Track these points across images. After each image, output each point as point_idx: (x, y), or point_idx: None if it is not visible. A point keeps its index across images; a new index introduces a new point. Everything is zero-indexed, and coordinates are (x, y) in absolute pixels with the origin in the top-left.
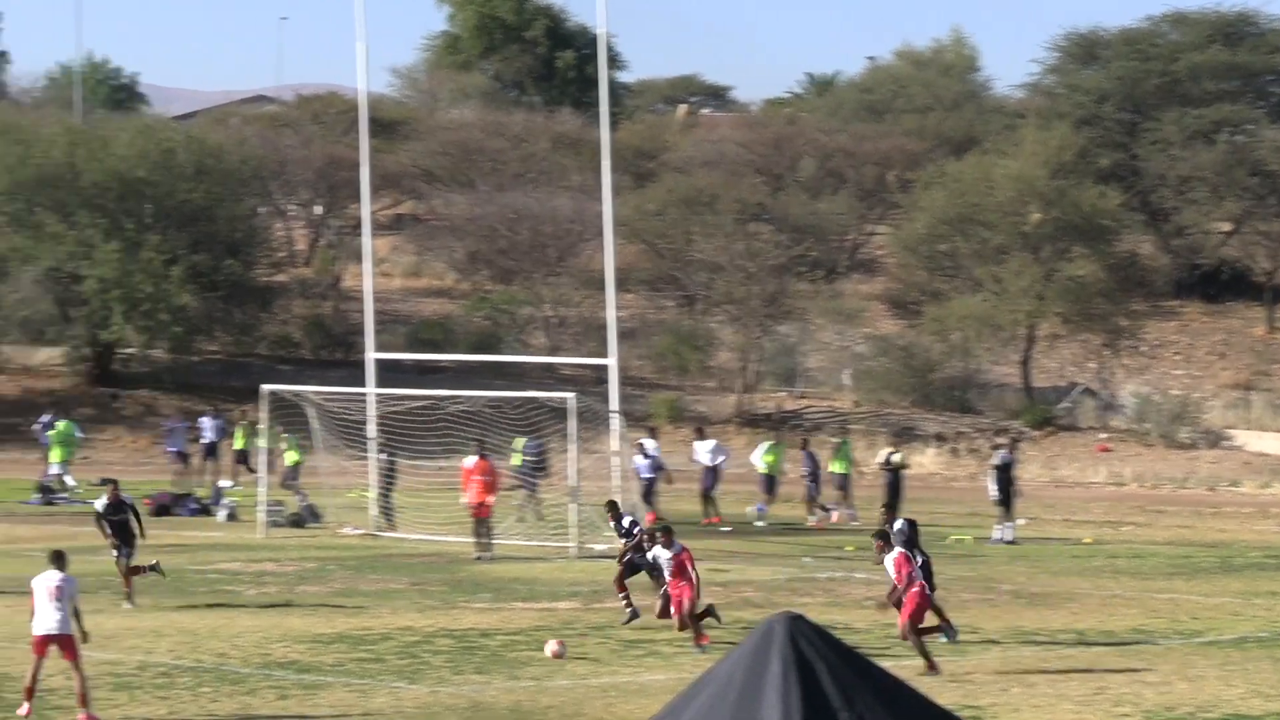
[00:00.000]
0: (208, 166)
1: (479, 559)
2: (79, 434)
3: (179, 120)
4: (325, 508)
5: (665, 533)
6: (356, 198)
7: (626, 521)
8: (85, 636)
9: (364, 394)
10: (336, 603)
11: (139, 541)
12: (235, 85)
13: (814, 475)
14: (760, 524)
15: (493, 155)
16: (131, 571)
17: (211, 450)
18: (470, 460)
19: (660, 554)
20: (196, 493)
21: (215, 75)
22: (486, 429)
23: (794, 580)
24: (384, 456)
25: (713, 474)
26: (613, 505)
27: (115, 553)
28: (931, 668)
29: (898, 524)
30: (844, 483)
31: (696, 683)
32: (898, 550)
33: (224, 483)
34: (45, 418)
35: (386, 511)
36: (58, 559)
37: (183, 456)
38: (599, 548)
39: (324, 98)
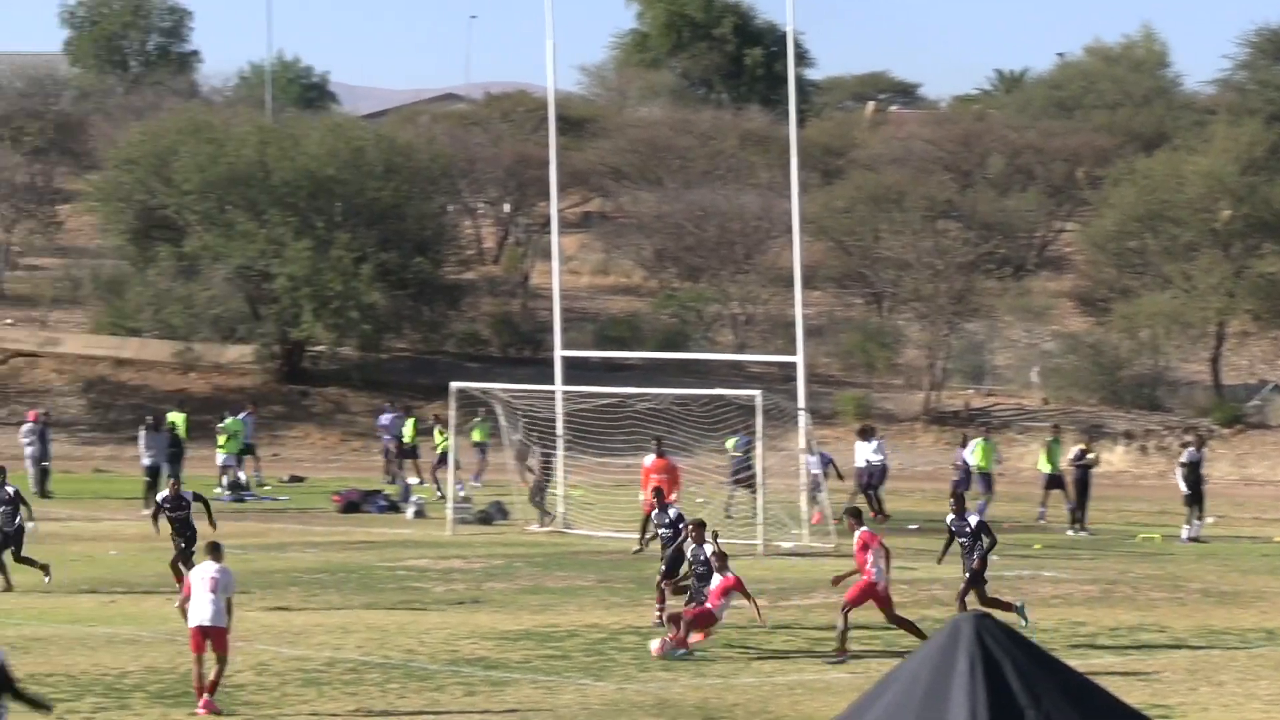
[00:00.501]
0: (397, 165)
1: (636, 552)
2: (248, 430)
3: (368, 119)
4: (513, 505)
5: (698, 528)
6: (545, 195)
7: (672, 513)
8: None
9: (551, 391)
10: (523, 600)
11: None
12: (424, 84)
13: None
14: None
15: (680, 153)
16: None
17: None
18: (650, 459)
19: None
20: (385, 490)
21: (404, 74)
22: (673, 427)
23: None
24: (539, 450)
25: (878, 472)
26: (658, 492)
27: (179, 548)
28: (840, 652)
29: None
30: (1055, 482)
31: (882, 681)
32: (861, 530)
33: (412, 479)
34: (244, 415)
35: (540, 506)
36: (214, 550)
37: (400, 448)
38: (786, 545)
39: (513, 96)
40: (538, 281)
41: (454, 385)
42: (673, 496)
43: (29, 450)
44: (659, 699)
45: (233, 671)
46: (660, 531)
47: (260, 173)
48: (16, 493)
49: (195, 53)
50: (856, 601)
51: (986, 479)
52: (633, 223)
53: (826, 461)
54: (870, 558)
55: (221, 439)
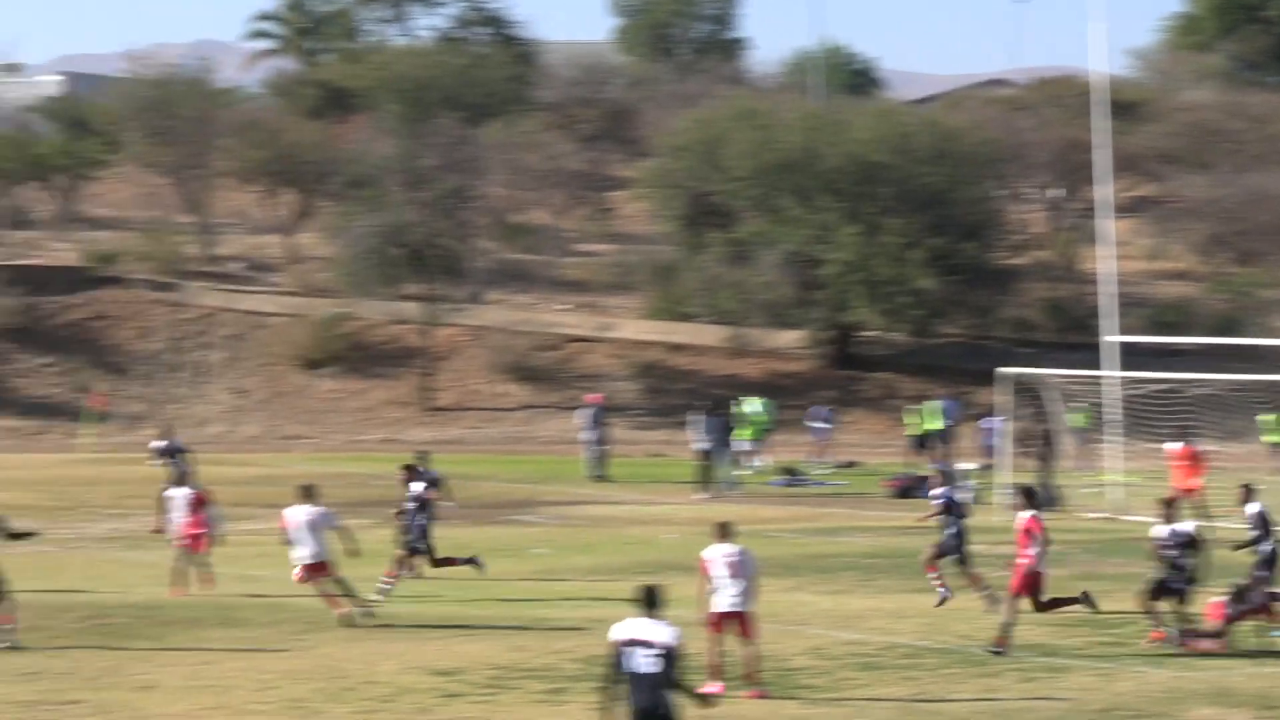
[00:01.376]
0: (945, 150)
1: None
2: (771, 416)
3: (915, 104)
4: (1066, 491)
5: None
6: (1093, 180)
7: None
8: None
9: (1102, 377)
10: (1077, 587)
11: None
12: (970, 69)
13: None
14: None
15: (1232, 136)
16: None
17: (945, 435)
18: (1175, 445)
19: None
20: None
21: (951, 59)
22: (1229, 413)
23: None
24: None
25: None
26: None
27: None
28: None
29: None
30: None
31: None
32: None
33: (966, 465)
34: (822, 410)
35: (1046, 490)
36: (725, 532)
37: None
38: None
39: (1061, 80)
40: (1088, 266)
41: (1002, 371)
42: (1196, 482)
43: (586, 434)
44: (1217, 687)
45: (789, 655)
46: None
47: (809, 159)
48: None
49: (742, 40)
50: (1025, 589)
51: None
52: (1184, 207)
53: None
54: (1032, 542)
55: (746, 427)
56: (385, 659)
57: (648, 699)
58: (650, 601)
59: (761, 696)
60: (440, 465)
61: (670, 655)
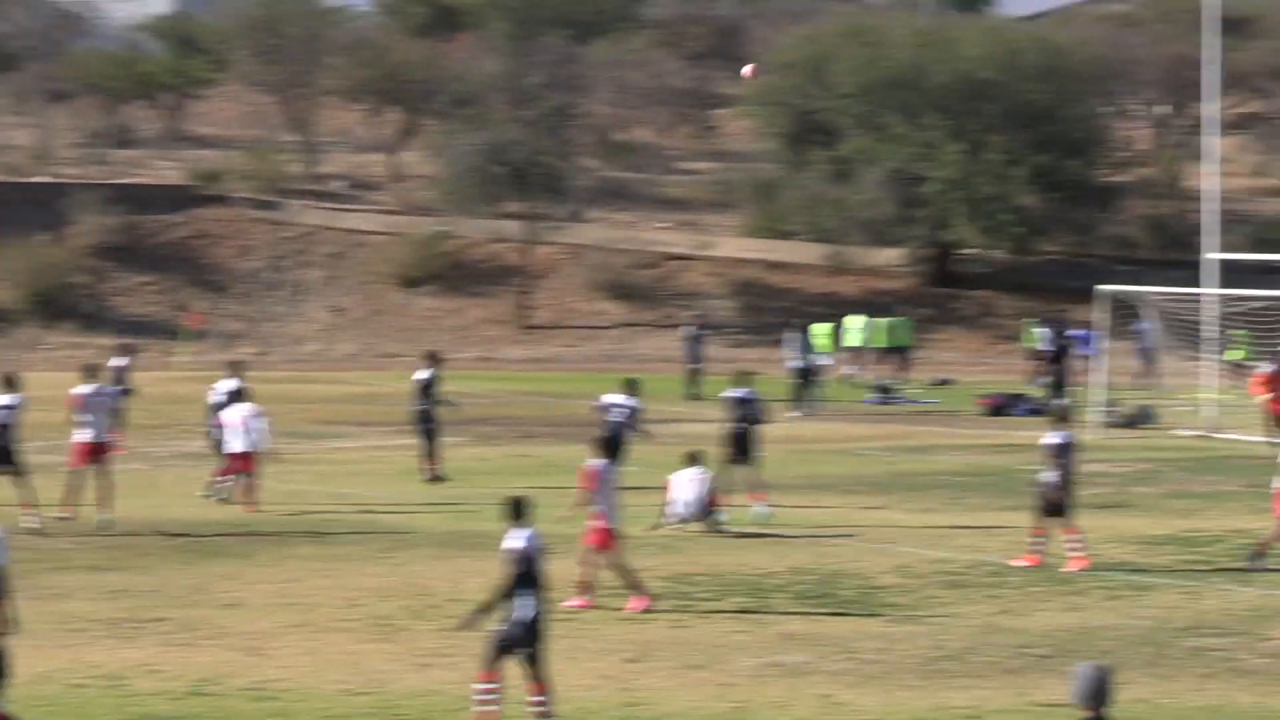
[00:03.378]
0: (1053, 67)
1: None
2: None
3: (1026, 21)
4: (1162, 409)
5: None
6: (1202, 97)
7: None
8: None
9: (1201, 294)
10: (1168, 504)
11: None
12: None
13: None
14: None
15: None
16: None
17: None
18: (1266, 367)
19: None
20: (1030, 393)
21: None
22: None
23: None
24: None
25: None
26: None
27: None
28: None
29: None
30: None
31: None
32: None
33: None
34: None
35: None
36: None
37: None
38: None
39: None
40: (1192, 184)
41: (1101, 288)
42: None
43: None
44: None
45: (875, 573)
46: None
47: (916, 76)
48: None
49: None
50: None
51: None
52: None
53: None
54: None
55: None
56: (471, 576)
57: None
58: (516, 512)
59: (647, 605)
60: (534, 383)
61: (514, 561)
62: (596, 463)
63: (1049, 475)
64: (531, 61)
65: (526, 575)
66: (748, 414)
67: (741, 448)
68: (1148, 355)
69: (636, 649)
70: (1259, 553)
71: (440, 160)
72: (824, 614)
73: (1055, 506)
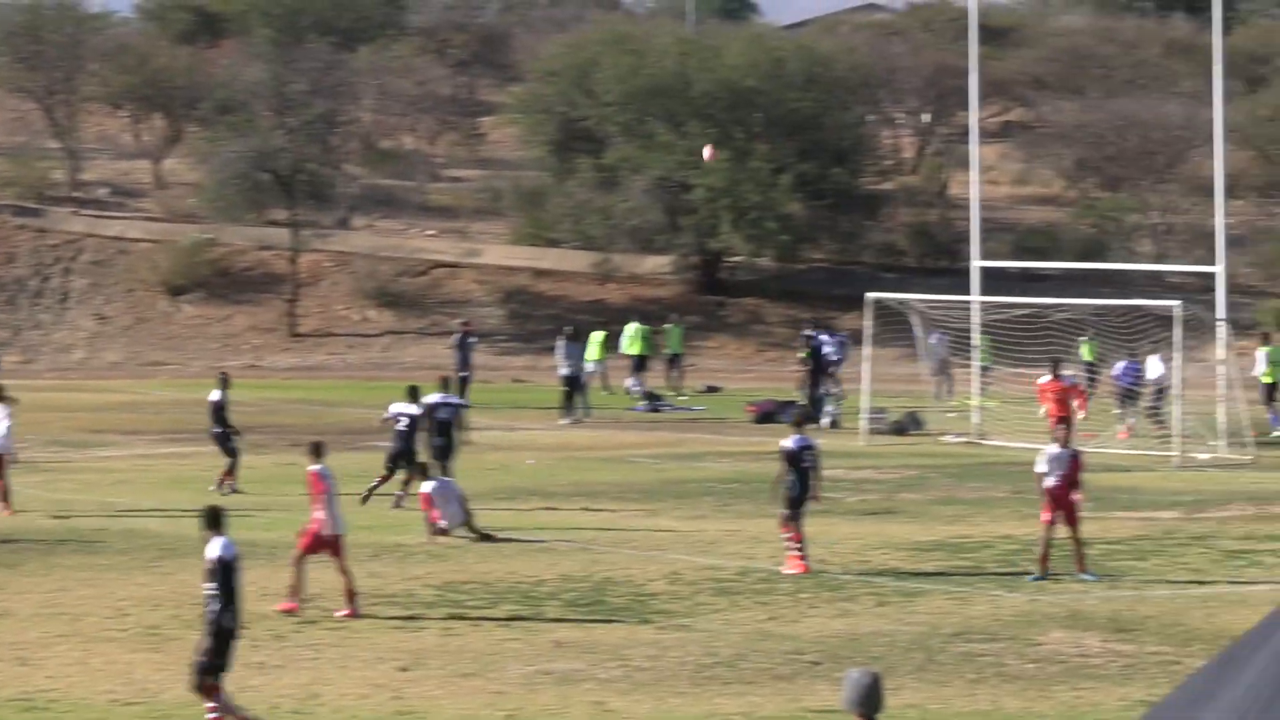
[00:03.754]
0: (817, 75)
1: None
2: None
3: (789, 30)
4: (927, 415)
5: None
6: (965, 105)
7: None
8: None
9: (968, 302)
10: (936, 510)
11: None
12: None
13: None
14: None
15: (1102, 61)
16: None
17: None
18: (1045, 378)
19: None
20: (798, 400)
21: None
22: (1091, 338)
23: None
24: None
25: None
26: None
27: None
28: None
29: None
30: None
31: None
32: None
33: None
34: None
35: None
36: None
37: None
38: (1203, 457)
39: (934, 5)
40: (956, 191)
41: (870, 296)
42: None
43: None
44: (1071, 610)
45: (646, 580)
46: None
47: (680, 84)
48: None
49: None
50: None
51: None
52: (1053, 132)
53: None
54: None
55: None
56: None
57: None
58: (211, 522)
59: (354, 615)
60: (302, 391)
61: (213, 570)
62: (315, 467)
63: (788, 478)
64: (295, 68)
65: (225, 585)
66: (447, 419)
67: (444, 452)
68: (942, 366)
69: (408, 657)
70: (1042, 573)
71: (205, 167)
72: (595, 621)
73: (795, 508)
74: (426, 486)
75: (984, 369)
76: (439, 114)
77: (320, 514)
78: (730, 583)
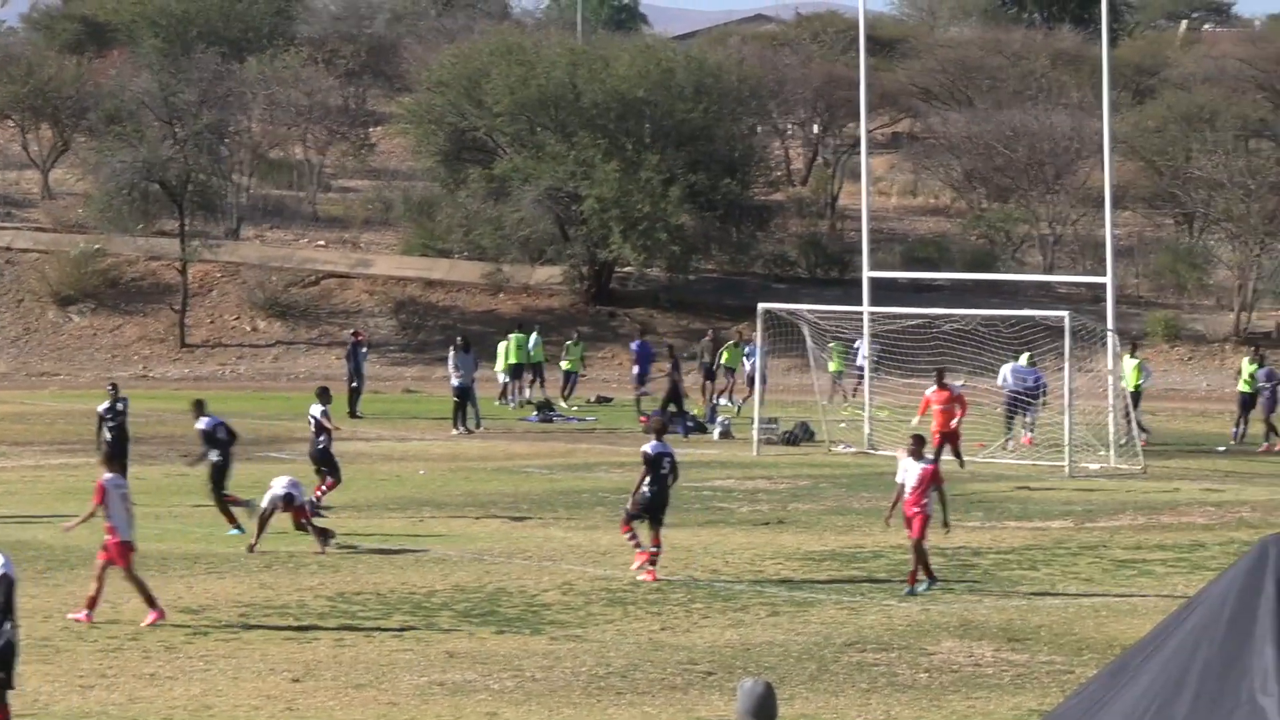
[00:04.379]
0: (707, 86)
1: None
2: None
3: (678, 40)
4: (818, 425)
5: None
6: (854, 116)
7: None
8: None
9: (859, 312)
10: (828, 520)
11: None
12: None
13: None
14: None
15: (991, 73)
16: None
17: (710, 371)
18: (931, 389)
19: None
20: (691, 411)
21: None
22: (981, 348)
23: None
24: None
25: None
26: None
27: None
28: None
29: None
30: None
31: (1186, 605)
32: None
33: (722, 400)
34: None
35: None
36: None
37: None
38: (1093, 467)
39: (823, 17)
40: (846, 202)
41: (761, 306)
42: (955, 424)
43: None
44: (963, 619)
45: (538, 590)
46: None
47: (570, 95)
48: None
49: None
50: None
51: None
52: (942, 143)
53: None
54: None
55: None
56: (130, 596)
57: None
58: None
59: (160, 618)
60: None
61: None
62: (106, 477)
63: (645, 485)
64: (184, 78)
65: (6, 602)
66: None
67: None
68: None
69: (300, 668)
70: (927, 578)
71: (93, 177)
72: (488, 632)
73: (654, 512)
74: (279, 485)
75: (837, 376)
76: (328, 124)
77: (112, 522)
78: (623, 593)
